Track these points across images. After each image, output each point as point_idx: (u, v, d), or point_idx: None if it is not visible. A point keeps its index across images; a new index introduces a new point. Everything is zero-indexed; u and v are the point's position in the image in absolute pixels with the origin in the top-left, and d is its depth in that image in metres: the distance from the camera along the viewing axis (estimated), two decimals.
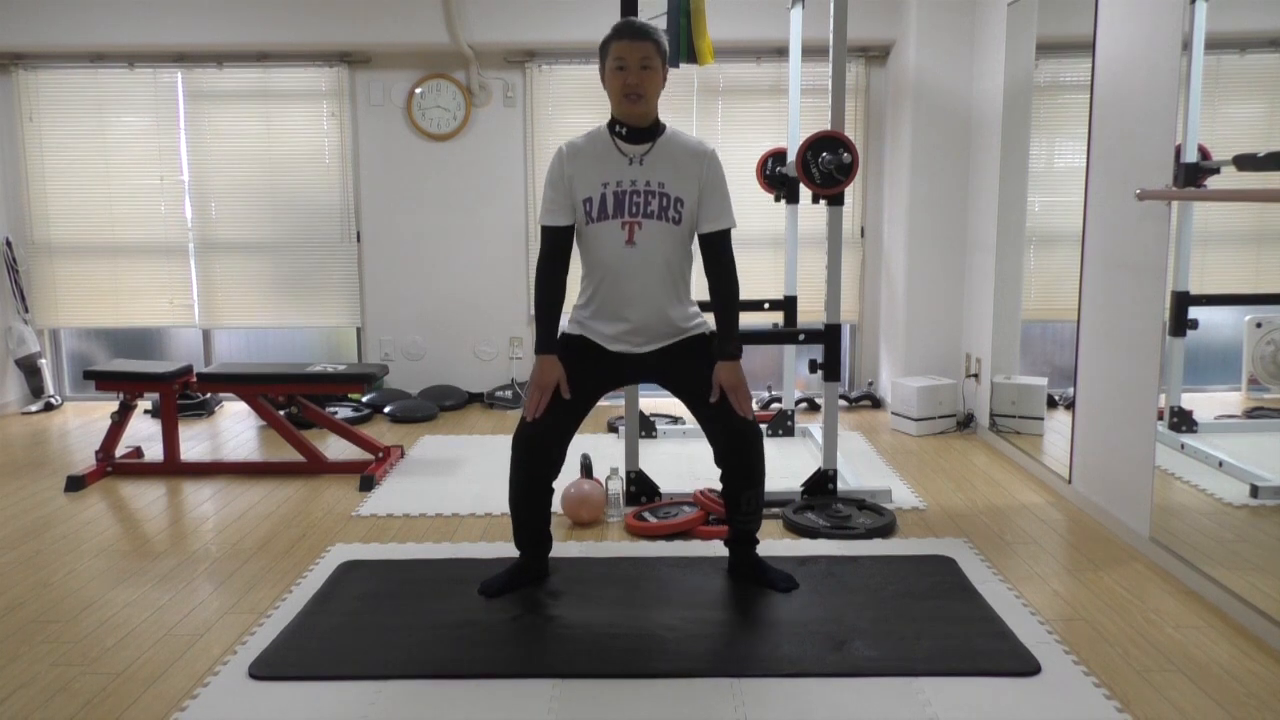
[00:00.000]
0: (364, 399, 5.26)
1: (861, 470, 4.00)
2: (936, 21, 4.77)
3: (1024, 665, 2.32)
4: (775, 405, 4.92)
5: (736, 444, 2.69)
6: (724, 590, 2.79)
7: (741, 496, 2.73)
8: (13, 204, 5.41)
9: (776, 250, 5.15)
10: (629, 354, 2.72)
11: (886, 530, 3.28)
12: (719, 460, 2.73)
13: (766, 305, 4.49)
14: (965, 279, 4.90)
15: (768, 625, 2.56)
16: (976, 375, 4.67)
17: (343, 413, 5.06)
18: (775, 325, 4.47)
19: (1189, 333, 3.11)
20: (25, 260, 5.45)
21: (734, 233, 2.74)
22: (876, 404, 5.37)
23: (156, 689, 2.28)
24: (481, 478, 3.96)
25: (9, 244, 5.38)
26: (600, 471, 3.57)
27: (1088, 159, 3.46)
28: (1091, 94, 3.44)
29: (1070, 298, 3.60)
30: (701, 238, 2.71)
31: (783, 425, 4.61)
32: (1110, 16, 3.33)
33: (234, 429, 4.95)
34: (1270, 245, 3.17)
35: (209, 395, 5.25)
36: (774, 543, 3.13)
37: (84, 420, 5.17)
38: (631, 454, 3.56)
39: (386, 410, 5.16)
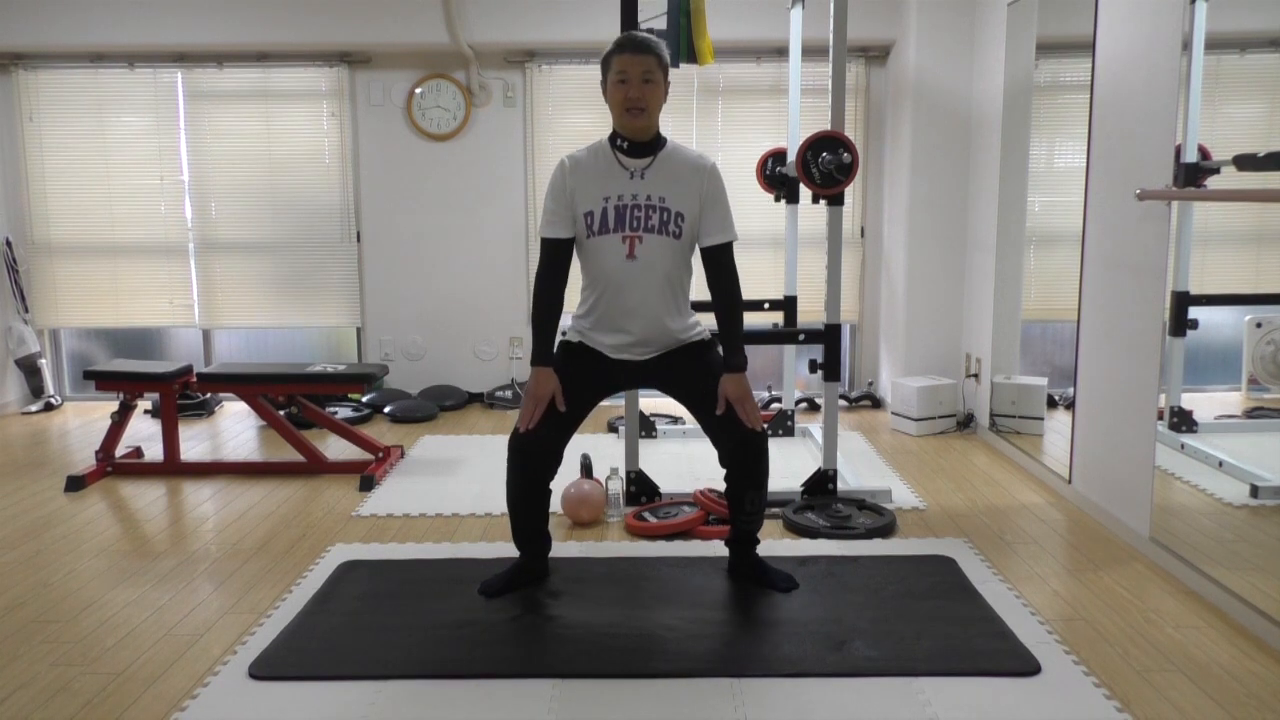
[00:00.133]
0: (364, 399, 5.26)
1: (861, 470, 4.00)
2: (936, 21, 4.77)
3: (1024, 665, 2.32)
4: (775, 405, 4.92)
5: (744, 454, 2.69)
6: (724, 590, 2.79)
7: (745, 496, 2.73)
8: (13, 204, 5.41)
9: (776, 250, 5.15)
10: (630, 361, 2.74)
11: (886, 530, 3.28)
12: (724, 463, 2.74)
13: (766, 305, 4.49)
14: (965, 279, 4.90)
15: (768, 625, 2.56)
16: (976, 375, 4.67)
17: (343, 413, 5.06)
18: (775, 325, 4.47)
19: (1189, 333, 3.11)
20: (25, 260, 5.45)
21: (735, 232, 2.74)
22: (876, 404, 5.37)
23: (156, 689, 2.28)
24: (481, 478, 3.96)
25: (9, 244, 5.38)
26: (600, 471, 3.57)
27: (1088, 159, 3.46)
28: (1091, 94, 3.44)
29: (1070, 298, 3.60)
30: (704, 251, 2.72)
31: (783, 425, 4.61)
32: (1110, 16, 3.33)
33: (234, 429, 4.95)
34: (1270, 245, 3.17)
35: (209, 395, 5.25)
36: (774, 543, 3.13)
37: (84, 420, 5.17)
38: (631, 454, 3.56)
39: (386, 410, 5.16)
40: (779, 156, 4.49)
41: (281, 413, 4.30)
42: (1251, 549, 2.84)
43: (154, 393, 4.47)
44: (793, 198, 4.43)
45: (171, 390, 4.08)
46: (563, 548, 3.10)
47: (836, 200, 3.48)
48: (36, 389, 5.49)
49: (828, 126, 3.43)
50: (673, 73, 2.76)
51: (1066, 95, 4.06)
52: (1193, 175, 2.92)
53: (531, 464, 2.68)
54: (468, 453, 4.40)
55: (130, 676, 2.34)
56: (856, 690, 2.23)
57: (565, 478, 3.27)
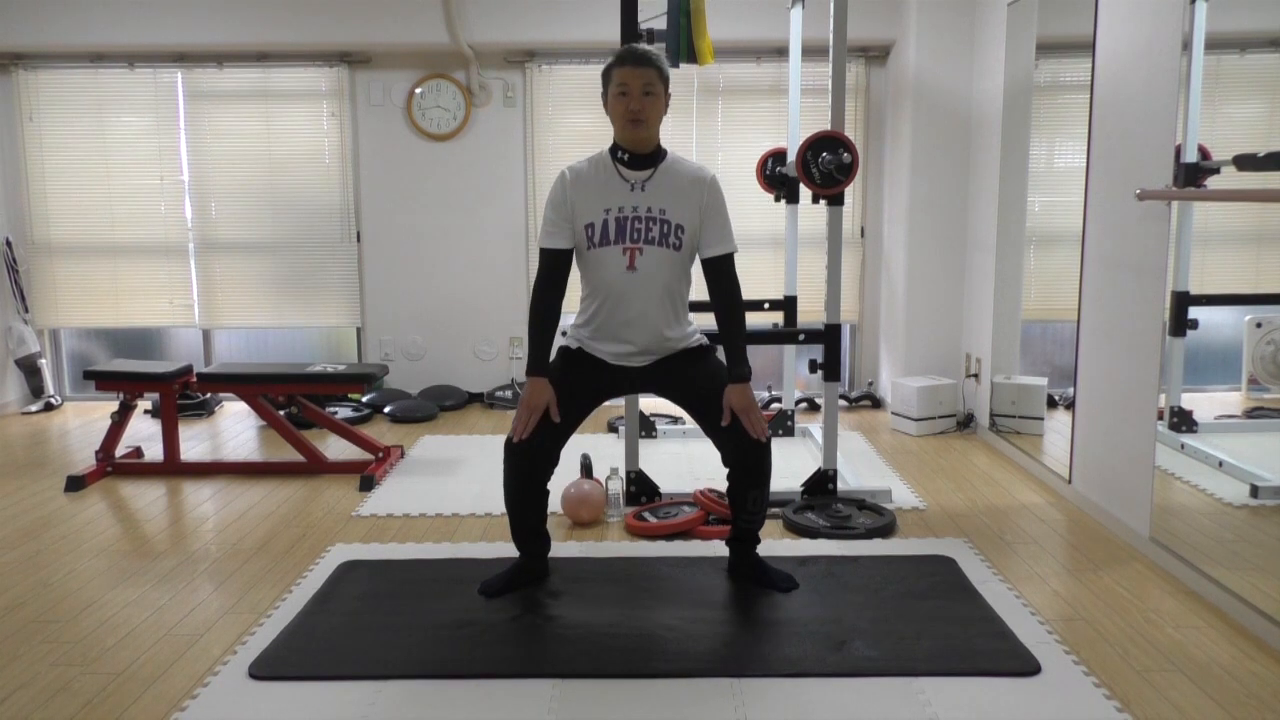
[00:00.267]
0: (364, 399, 5.26)
1: (861, 470, 4.00)
2: (936, 21, 4.77)
3: (1024, 665, 2.32)
4: (775, 405, 4.92)
5: (748, 461, 2.70)
6: (724, 590, 2.79)
7: (748, 495, 2.73)
8: (13, 204, 5.41)
9: (776, 250, 5.15)
10: (629, 367, 2.76)
11: (886, 530, 3.28)
12: (727, 463, 2.75)
13: (766, 305, 4.49)
14: (965, 279, 4.90)
15: (768, 625, 2.56)
16: (976, 375, 4.67)
17: (343, 413, 5.06)
18: (775, 325, 4.47)
19: (1189, 333, 3.11)
20: (25, 260, 5.45)
21: (735, 233, 2.75)
22: (876, 404, 5.37)
23: (156, 689, 2.28)
24: (481, 478, 3.96)
25: (9, 244, 5.38)
26: (600, 471, 3.57)
27: (1088, 159, 3.46)
28: (1091, 94, 3.44)
29: (1070, 298, 3.60)
30: (705, 262, 2.74)
31: (783, 425, 4.61)
32: (1110, 16, 3.33)
33: (234, 429, 4.95)
34: (1270, 245, 3.17)
35: (209, 395, 5.25)
36: (774, 543, 3.13)
37: (84, 420, 5.17)
38: (631, 454, 3.56)
39: (386, 410, 5.16)
40: (779, 156, 4.49)
41: (281, 413, 4.30)
42: (1251, 549, 2.84)
43: (154, 393, 4.46)
44: (793, 198, 4.43)
45: (171, 390, 4.08)
46: (563, 548, 3.10)
47: (836, 200, 3.48)
48: (36, 389, 5.49)
49: (828, 126, 3.43)
50: (673, 73, 2.77)
51: (1066, 95, 4.06)
52: (1193, 175, 2.93)
53: (527, 467, 2.70)
54: (468, 453, 4.40)
55: (130, 676, 2.34)
56: (856, 690, 2.23)
57: (565, 477, 3.27)
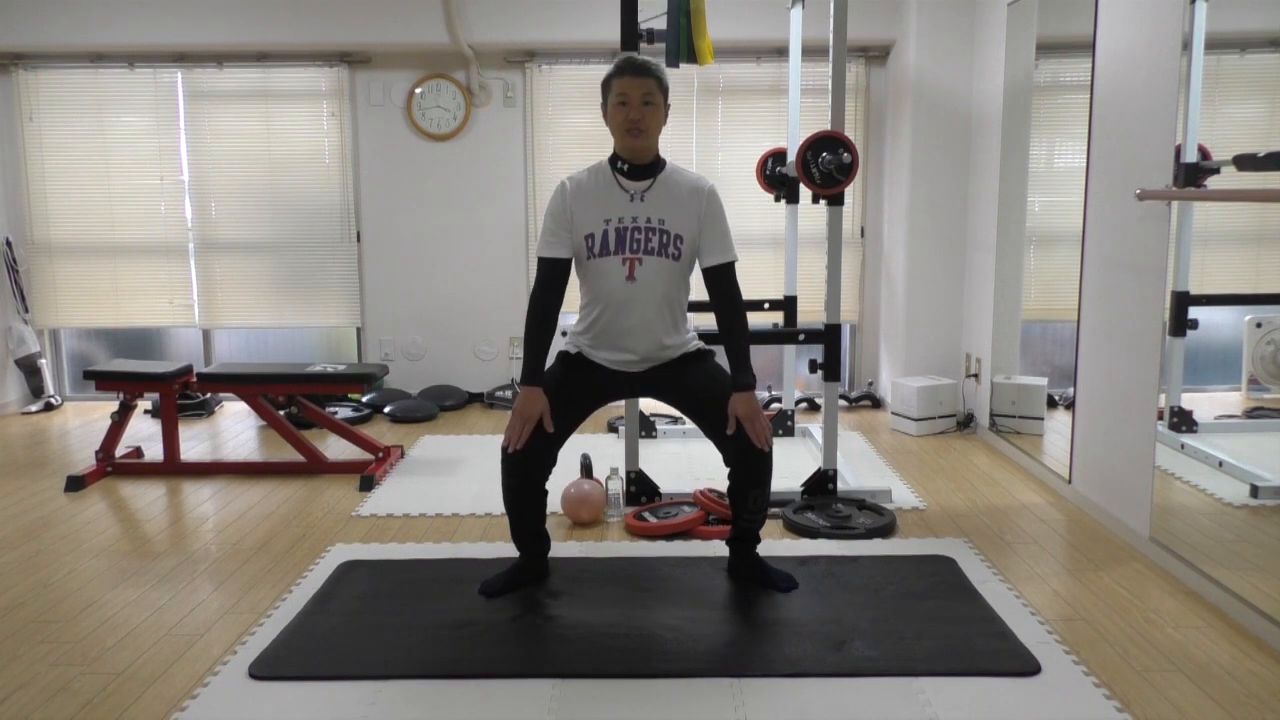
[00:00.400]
0: (364, 399, 5.26)
1: (861, 470, 4.00)
2: (936, 21, 4.77)
3: (1024, 665, 2.32)
4: (775, 405, 4.92)
5: (750, 465, 2.70)
6: (724, 590, 2.79)
7: (749, 494, 2.73)
8: (13, 204, 5.41)
9: (776, 250, 5.15)
10: (628, 372, 2.77)
11: (886, 530, 3.28)
12: (728, 463, 2.75)
13: (766, 305, 4.49)
14: (965, 279, 4.90)
15: (768, 625, 2.56)
16: (976, 375, 4.67)
17: (343, 413, 5.06)
18: (775, 325, 4.47)
19: (1189, 333, 3.11)
20: (25, 260, 5.45)
21: (735, 232, 2.75)
22: (876, 404, 5.37)
23: (156, 689, 2.28)
24: (481, 478, 3.96)
25: (9, 244, 5.38)
26: (600, 471, 3.57)
27: (1088, 159, 3.46)
28: (1091, 94, 3.44)
29: (1070, 298, 3.60)
30: (705, 271, 2.74)
31: (783, 425, 4.61)
32: (1110, 16, 3.33)
33: (234, 429, 4.95)
34: (1270, 245, 3.17)
35: (209, 395, 5.25)
36: (774, 543, 3.13)
37: (84, 420, 5.17)
38: (631, 454, 3.56)
39: (386, 410, 5.16)
40: (779, 156, 4.49)
41: (281, 413, 4.30)
42: (1251, 549, 2.84)
43: (154, 393, 4.47)
44: (793, 198, 4.43)
45: (171, 390, 4.08)
46: (563, 548, 3.10)
47: (836, 200, 3.48)
48: (36, 389, 5.49)
49: (828, 126, 3.43)
50: (673, 73, 2.77)
51: (1066, 95, 4.06)
52: (1193, 175, 2.93)
53: (523, 473, 2.71)
54: (468, 453, 4.40)
55: (130, 676, 2.34)
56: (856, 690, 2.23)
57: (565, 477, 3.28)
